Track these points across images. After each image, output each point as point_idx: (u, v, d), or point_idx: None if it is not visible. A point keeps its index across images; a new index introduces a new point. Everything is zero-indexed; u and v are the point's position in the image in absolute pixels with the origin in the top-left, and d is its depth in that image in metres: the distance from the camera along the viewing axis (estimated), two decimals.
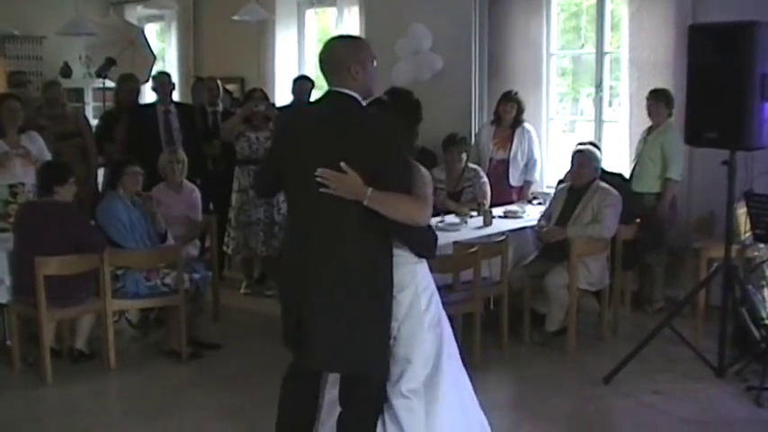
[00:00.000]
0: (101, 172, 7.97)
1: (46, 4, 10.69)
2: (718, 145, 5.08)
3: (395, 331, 3.52)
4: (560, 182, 6.73)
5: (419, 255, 3.53)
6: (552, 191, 6.77)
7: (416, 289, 3.56)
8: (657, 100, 6.64)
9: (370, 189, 3.24)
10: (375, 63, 3.47)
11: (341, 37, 3.71)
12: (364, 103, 3.48)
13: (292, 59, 9.72)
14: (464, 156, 7.04)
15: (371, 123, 3.42)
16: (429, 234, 3.55)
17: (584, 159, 6.12)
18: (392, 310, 3.48)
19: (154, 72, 9.18)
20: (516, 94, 7.49)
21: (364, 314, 3.38)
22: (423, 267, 3.62)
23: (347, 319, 3.36)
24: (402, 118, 3.58)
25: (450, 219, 6.42)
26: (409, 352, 3.53)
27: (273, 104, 7.88)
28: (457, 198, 6.97)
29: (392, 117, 3.55)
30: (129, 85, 8.30)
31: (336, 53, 3.44)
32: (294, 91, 7.99)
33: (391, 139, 3.33)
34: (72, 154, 7.44)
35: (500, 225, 6.33)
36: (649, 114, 6.72)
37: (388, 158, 3.31)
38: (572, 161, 6.23)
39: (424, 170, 3.56)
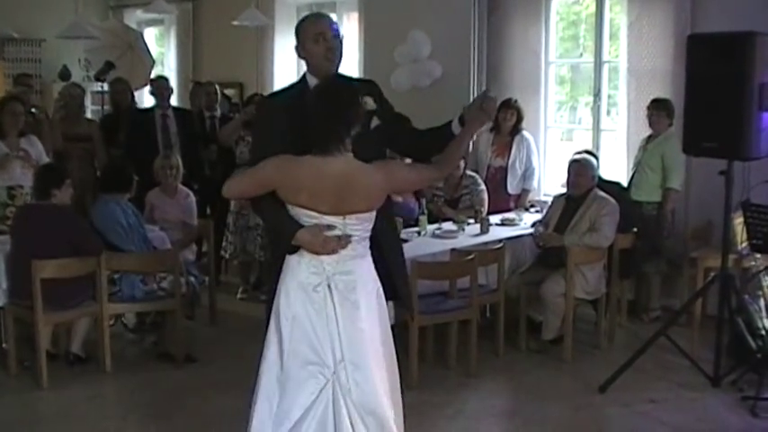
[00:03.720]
0: None
1: (45, 7, 10.68)
2: (716, 154, 5.09)
3: None
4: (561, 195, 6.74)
5: None
6: (550, 199, 6.77)
7: None
8: (659, 109, 6.65)
9: None
10: (323, 40, 3.46)
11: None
12: (314, 80, 3.47)
13: (291, 65, 9.70)
14: (462, 163, 7.04)
15: None
16: None
17: (581, 169, 6.13)
18: None
19: (152, 76, 9.20)
20: (516, 101, 7.50)
21: None
22: None
23: None
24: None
25: (448, 226, 6.42)
26: None
27: None
28: (454, 205, 6.97)
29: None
30: (121, 86, 8.44)
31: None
32: None
33: None
34: (79, 157, 7.45)
35: (497, 233, 6.34)
36: (650, 124, 6.73)
37: None
38: (568, 171, 6.23)
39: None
